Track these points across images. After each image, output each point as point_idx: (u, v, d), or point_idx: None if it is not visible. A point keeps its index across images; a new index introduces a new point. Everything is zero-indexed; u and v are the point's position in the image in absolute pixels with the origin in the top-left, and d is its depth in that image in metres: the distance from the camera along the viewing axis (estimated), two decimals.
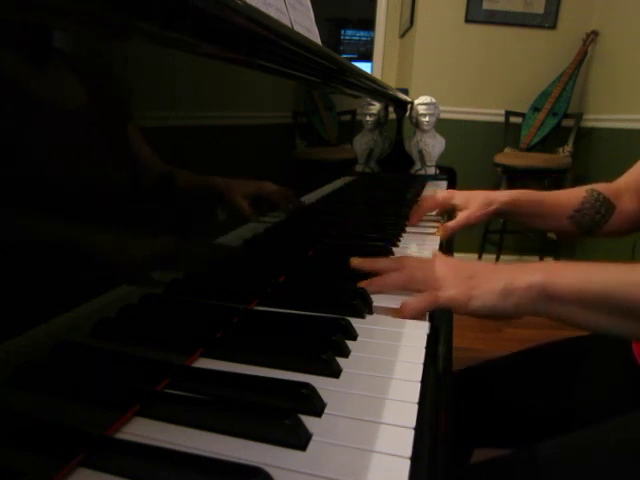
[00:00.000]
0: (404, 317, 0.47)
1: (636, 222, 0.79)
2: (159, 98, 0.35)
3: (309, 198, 0.72)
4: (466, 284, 0.49)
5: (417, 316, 0.47)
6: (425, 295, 0.49)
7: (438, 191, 1.07)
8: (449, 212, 0.88)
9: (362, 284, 0.53)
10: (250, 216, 0.51)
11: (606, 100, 2.51)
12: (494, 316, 0.48)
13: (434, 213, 0.92)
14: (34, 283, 0.24)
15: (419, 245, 0.77)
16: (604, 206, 0.79)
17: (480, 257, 2.65)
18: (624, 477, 0.46)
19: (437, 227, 0.85)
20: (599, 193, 0.79)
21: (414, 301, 0.48)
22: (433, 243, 0.78)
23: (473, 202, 0.83)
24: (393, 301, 0.50)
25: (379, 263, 0.58)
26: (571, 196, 0.82)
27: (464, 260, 0.54)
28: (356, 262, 0.58)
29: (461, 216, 0.83)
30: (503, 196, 0.82)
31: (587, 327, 0.47)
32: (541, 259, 2.50)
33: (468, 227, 0.84)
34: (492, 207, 0.82)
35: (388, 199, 1.17)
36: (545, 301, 0.46)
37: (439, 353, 0.44)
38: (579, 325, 0.47)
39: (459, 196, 0.86)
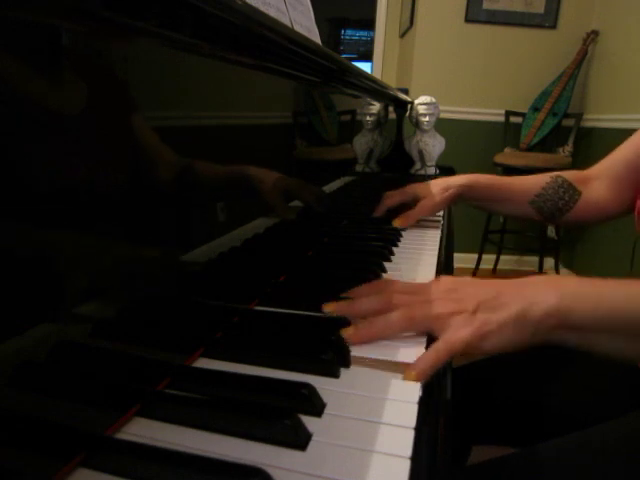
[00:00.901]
0: (418, 380, 0.36)
1: (605, 210, 0.79)
2: (158, 98, 0.35)
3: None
4: (476, 320, 0.40)
5: (430, 370, 0.37)
6: (433, 351, 0.39)
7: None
8: (413, 202, 0.88)
9: (345, 333, 0.41)
10: (250, 216, 0.51)
11: (606, 100, 2.51)
12: (508, 350, 0.41)
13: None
14: (34, 283, 0.24)
15: (419, 243, 0.77)
16: (568, 192, 0.78)
17: (480, 257, 2.65)
18: (624, 477, 0.46)
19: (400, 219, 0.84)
20: (564, 179, 0.79)
21: (424, 362, 0.38)
22: (433, 240, 0.78)
23: (433, 189, 0.84)
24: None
25: (361, 304, 0.45)
26: (534, 181, 0.82)
27: (459, 280, 0.45)
28: (330, 308, 0.46)
29: (420, 203, 0.84)
30: (460, 180, 0.83)
31: (607, 354, 0.42)
32: (541, 259, 2.50)
33: (431, 214, 0.85)
34: (449, 191, 0.82)
35: None
36: (566, 331, 0.41)
37: None
38: (599, 353, 0.42)
39: (421, 186, 0.87)
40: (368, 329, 0.42)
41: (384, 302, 0.44)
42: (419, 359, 0.38)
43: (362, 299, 0.45)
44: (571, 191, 0.79)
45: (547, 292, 0.41)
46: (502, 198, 0.83)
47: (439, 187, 0.84)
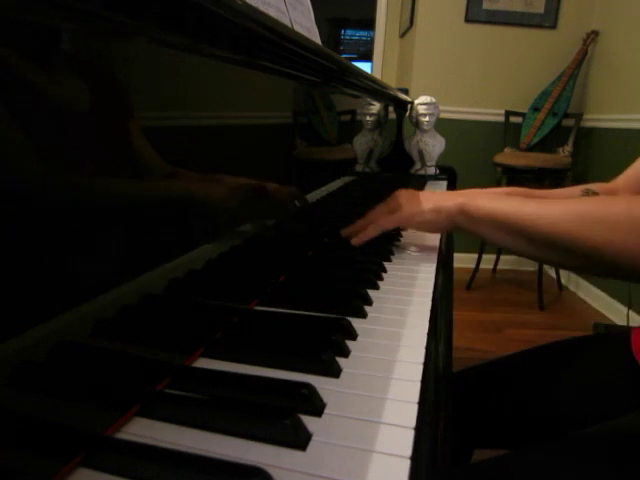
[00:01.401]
0: (359, 242, 0.68)
1: None
2: (158, 98, 0.35)
3: (309, 198, 0.72)
4: (413, 207, 0.66)
5: (369, 237, 0.68)
6: (382, 219, 0.67)
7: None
8: None
9: (344, 232, 0.72)
10: (250, 216, 0.51)
11: (606, 100, 2.51)
12: (433, 229, 0.66)
13: None
14: (34, 283, 0.24)
15: (420, 242, 0.77)
16: None
17: (480, 257, 2.65)
18: (624, 477, 0.46)
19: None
20: (594, 192, 0.78)
21: (365, 234, 0.67)
22: (434, 240, 0.78)
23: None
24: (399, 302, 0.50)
25: (360, 223, 0.72)
26: (565, 194, 0.81)
27: (423, 192, 0.69)
28: (345, 232, 0.72)
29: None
30: (497, 192, 0.82)
31: (496, 243, 0.59)
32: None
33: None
34: None
35: None
36: (464, 218, 0.60)
37: (439, 353, 0.44)
38: (491, 241, 0.59)
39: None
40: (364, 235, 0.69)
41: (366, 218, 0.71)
42: (362, 234, 0.68)
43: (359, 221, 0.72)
44: None
45: (460, 195, 0.62)
46: None
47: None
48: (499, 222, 0.56)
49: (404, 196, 0.69)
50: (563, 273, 2.73)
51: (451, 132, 2.25)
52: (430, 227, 0.65)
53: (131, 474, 0.26)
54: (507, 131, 2.67)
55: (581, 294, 2.60)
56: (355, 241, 0.68)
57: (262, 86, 0.54)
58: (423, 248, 0.75)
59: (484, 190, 0.66)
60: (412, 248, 0.74)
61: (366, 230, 0.68)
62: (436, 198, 0.65)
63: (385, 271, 0.62)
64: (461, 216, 0.61)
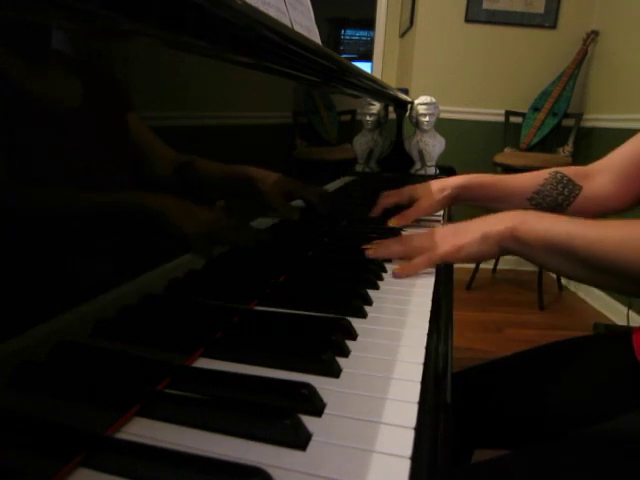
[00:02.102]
0: (407, 275, 0.60)
1: (606, 205, 0.78)
2: (158, 98, 0.35)
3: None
4: (454, 240, 0.61)
5: (417, 272, 0.61)
6: (421, 257, 0.61)
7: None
8: (409, 203, 0.88)
9: (366, 247, 0.66)
10: (250, 216, 0.51)
11: (606, 100, 2.51)
12: (482, 258, 0.61)
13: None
14: (34, 283, 0.24)
15: None
16: (567, 187, 0.78)
17: None
18: (625, 477, 0.46)
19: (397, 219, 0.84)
20: (563, 175, 0.79)
21: (413, 262, 0.61)
22: None
23: (430, 190, 0.84)
24: (398, 302, 0.50)
25: (385, 243, 0.68)
26: (532, 178, 0.82)
27: (448, 226, 0.66)
28: (367, 247, 0.67)
29: (417, 204, 0.84)
30: (456, 181, 0.83)
31: (548, 268, 0.59)
32: None
33: (427, 215, 0.86)
34: (445, 193, 0.83)
35: None
36: (515, 243, 0.57)
37: (439, 353, 0.44)
38: (543, 265, 0.57)
39: (419, 187, 0.87)
40: (382, 250, 0.65)
41: (406, 248, 0.65)
42: (410, 263, 0.61)
43: (390, 245, 0.67)
44: (570, 186, 0.78)
45: (505, 219, 0.59)
46: (499, 197, 0.83)
47: (436, 188, 0.84)
48: (557, 248, 0.53)
49: (433, 234, 0.64)
50: None
51: (451, 132, 2.25)
52: (478, 258, 0.62)
53: (131, 474, 0.26)
54: (507, 131, 2.67)
55: (581, 294, 2.60)
56: (402, 273, 0.61)
57: (262, 86, 0.54)
58: None
59: (530, 212, 0.60)
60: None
61: (414, 264, 0.61)
62: (478, 224, 0.61)
63: (385, 271, 0.62)
64: (513, 242, 0.57)
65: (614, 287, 0.55)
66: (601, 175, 0.79)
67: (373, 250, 0.65)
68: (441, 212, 0.94)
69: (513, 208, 0.83)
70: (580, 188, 0.78)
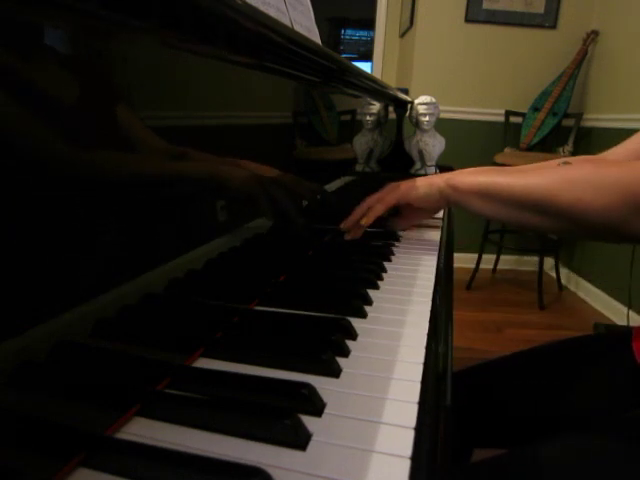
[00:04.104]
0: (368, 222, 0.73)
1: None
2: (158, 98, 0.35)
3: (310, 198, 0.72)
4: (409, 184, 0.73)
5: (377, 215, 0.73)
6: (379, 203, 0.73)
7: None
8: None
9: (342, 226, 0.76)
10: (250, 216, 0.51)
11: (606, 100, 2.51)
12: (428, 203, 0.71)
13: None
14: (34, 283, 0.24)
15: (419, 243, 0.77)
16: None
17: (480, 257, 2.65)
18: (624, 477, 0.46)
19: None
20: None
21: (373, 208, 0.73)
22: (434, 239, 0.78)
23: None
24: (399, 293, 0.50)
25: (353, 215, 0.76)
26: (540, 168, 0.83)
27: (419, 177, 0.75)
28: (343, 225, 0.76)
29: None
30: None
31: (483, 214, 0.64)
32: (541, 259, 2.50)
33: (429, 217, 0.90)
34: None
35: None
36: (451, 191, 0.66)
37: (439, 353, 0.44)
38: (479, 212, 0.64)
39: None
40: (371, 212, 0.74)
41: (375, 199, 0.76)
42: (370, 210, 0.74)
43: (368, 205, 0.76)
44: None
45: (451, 173, 0.68)
46: None
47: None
48: (482, 192, 0.62)
49: (400, 181, 0.75)
50: (563, 273, 2.73)
51: (451, 132, 2.25)
52: (426, 201, 0.71)
53: (131, 474, 0.26)
54: (507, 131, 2.66)
55: (581, 294, 2.60)
56: (364, 221, 0.73)
57: (262, 86, 0.54)
58: (423, 248, 0.75)
59: (474, 168, 0.70)
60: (412, 248, 0.74)
61: (371, 211, 0.73)
62: (429, 177, 0.72)
63: (385, 271, 0.62)
64: (449, 189, 0.66)
65: (535, 225, 0.59)
66: None
67: (352, 233, 0.75)
68: (441, 213, 0.94)
69: None
70: None
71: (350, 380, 0.36)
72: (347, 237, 0.75)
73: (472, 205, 0.64)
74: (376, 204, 0.74)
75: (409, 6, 2.78)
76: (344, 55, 4.30)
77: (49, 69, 0.25)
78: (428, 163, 1.38)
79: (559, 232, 0.59)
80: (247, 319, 0.46)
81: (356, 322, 0.45)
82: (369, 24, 3.39)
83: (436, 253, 0.71)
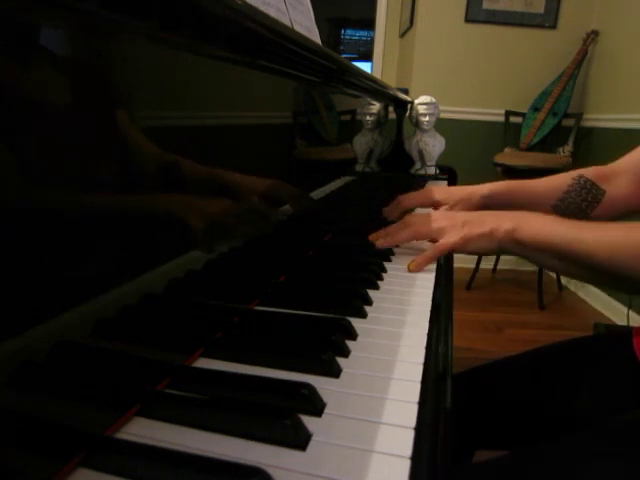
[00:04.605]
0: (419, 269, 0.63)
1: (627, 206, 0.77)
2: (158, 98, 0.35)
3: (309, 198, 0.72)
4: (462, 231, 0.62)
5: (429, 263, 0.64)
6: (431, 251, 0.63)
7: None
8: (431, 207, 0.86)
9: (372, 237, 0.70)
10: (250, 215, 0.51)
11: (606, 100, 2.50)
12: (483, 254, 0.66)
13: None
14: (34, 283, 0.24)
15: (419, 244, 0.77)
16: (591, 192, 0.76)
17: (480, 257, 2.65)
18: (627, 477, 0.46)
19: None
20: (586, 180, 0.77)
21: (423, 255, 0.63)
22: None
23: (452, 197, 0.82)
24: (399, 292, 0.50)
25: (391, 229, 0.70)
26: (556, 184, 0.80)
27: (458, 213, 0.68)
28: (373, 237, 0.70)
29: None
30: (483, 189, 0.81)
31: (547, 268, 0.64)
32: None
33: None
34: (473, 202, 0.80)
35: (388, 199, 1.17)
36: (513, 244, 0.60)
37: (439, 353, 0.44)
38: (542, 266, 0.65)
39: (439, 192, 0.84)
40: (390, 238, 0.68)
41: (404, 223, 0.69)
42: (420, 257, 0.63)
43: (391, 226, 0.71)
44: (594, 191, 0.76)
45: (509, 219, 0.60)
46: (523, 205, 0.80)
47: (460, 197, 0.81)
48: (551, 250, 0.56)
49: (440, 221, 0.65)
50: None
51: (451, 132, 2.25)
52: (481, 253, 0.65)
53: (131, 474, 0.26)
54: (507, 131, 2.66)
55: (581, 294, 2.60)
56: (413, 266, 0.63)
57: (262, 86, 0.54)
58: (423, 249, 0.74)
59: (531, 214, 0.62)
60: (413, 249, 0.74)
61: (426, 256, 0.64)
62: (490, 221, 0.61)
63: (385, 271, 0.62)
64: (511, 243, 0.59)
65: (610, 285, 0.59)
66: (621, 177, 0.77)
67: (382, 240, 0.68)
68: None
69: None
70: (604, 192, 0.76)
71: (350, 380, 0.36)
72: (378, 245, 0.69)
73: (536, 260, 0.60)
74: (416, 235, 0.67)
75: (409, 6, 2.78)
76: (344, 55, 4.30)
77: (49, 69, 0.25)
78: (428, 163, 1.38)
79: (617, 289, 0.61)
80: (247, 319, 0.46)
81: (356, 322, 0.45)
82: (369, 24, 3.39)
83: None
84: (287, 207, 0.64)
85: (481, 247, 0.62)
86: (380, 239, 0.68)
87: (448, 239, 0.62)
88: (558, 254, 0.56)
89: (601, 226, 0.55)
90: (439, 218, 0.65)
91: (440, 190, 0.85)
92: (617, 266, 0.52)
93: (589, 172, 0.78)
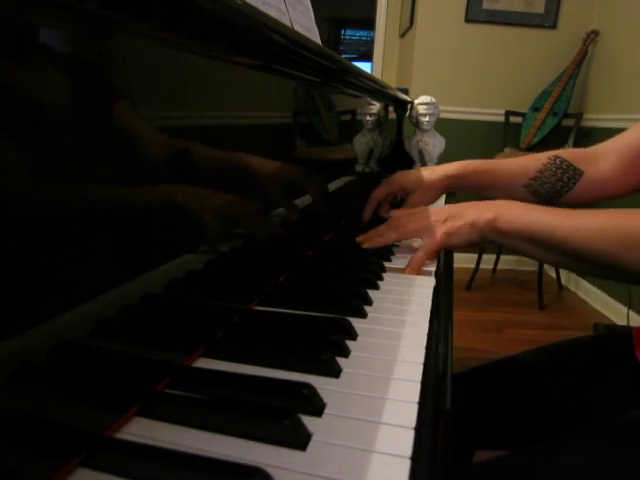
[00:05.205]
0: (415, 272, 0.62)
1: (606, 190, 0.75)
2: (158, 98, 0.35)
3: (309, 198, 0.72)
4: (444, 226, 0.63)
5: (423, 265, 0.64)
6: (420, 251, 0.64)
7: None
8: (401, 197, 0.85)
9: (360, 239, 0.69)
10: (250, 215, 0.51)
11: (606, 100, 2.51)
12: (467, 244, 0.63)
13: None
14: (34, 283, 0.24)
15: (419, 244, 0.77)
16: (567, 173, 0.75)
17: (480, 257, 2.65)
18: (627, 477, 0.46)
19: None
20: (562, 160, 0.75)
21: (415, 258, 0.64)
22: None
23: (421, 182, 0.81)
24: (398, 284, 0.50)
25: (378, 230, 0.70)
26: (529, 163, 0.78)
27: (441, 207, 0.68)
28: (360, 238, 0.69)
29: (410, 200, 0.81)
30: (449, 168, 0.80)
31: (528, 256, 0.61)
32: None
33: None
34: (438, 183, 0.80)
35: None
36: (494, 233, 0.60)
37: (439, 353, 0.44)
38: (522, 254, 0.60)
39: (407, 177, 0.83)
40: (377, 239, 0.68)
41: (390, 223, 0.69)
42: (412, 260, 0.63)
43: (379, 227, 0.70)
44: (571, 171, 0.75)
45: (490, 209, 0.60)
46: (494, 183, 0.79)
47: (427, 179, 0.80)
48: (531, 238, 0.57)
49: (425, 218, 0.66)
50: (563, 273, 2.73)
51: (451, 132, 2.25)
52: (464, 244, 0.64)
53: (131, 474, 0.26)
54: (507, 131, 2.66)
55: (581, 294, 2.60)
56: (413, 271, 0.63)
57: (262, 86, 0.54)
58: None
59: (511, 203, 0.61)
60: (415, 244, 0.74)
61: (417, 260, 0.63)
62: (471, 212, 0.62)
63: (385, 271, 0.62)
64: (492, 232, 0.60)
65: (593, 273, 0.57)
66: (605, 158, 0.75)
67: (368, 241, 0.68)
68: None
69: (508, 195, 0.79)
70: (582, 173, 0.75)
71: (350, 380, 0.36)
72: (364, 245, 0.69)
73: (516, 248, 0.60)
74: (403, 235, 0.68)
75: (409, 6, 2.78)
76: (344, 55, 4.30)
77: (49, 69, 0.25)
78: (428, 163, 1.38)
79: (609, 278, 0.58)
80: (247, 319, 0.46)
81: (356, 322, 0.45)
82: (369, 24, 3.39)
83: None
84: (285, 208, 0.64)
85: (464, 239, 0.62)
86: (366, 241, 0.68)
87: (434, 238, 0.63)
88: (538, 241, 0.56)
89: (579, 213, 0.55)
90: (424, 215, 0.66)
91: (408, 174, 0.84)
92: (594, 252, 0.51)
93: (566, 153, 0.77)
